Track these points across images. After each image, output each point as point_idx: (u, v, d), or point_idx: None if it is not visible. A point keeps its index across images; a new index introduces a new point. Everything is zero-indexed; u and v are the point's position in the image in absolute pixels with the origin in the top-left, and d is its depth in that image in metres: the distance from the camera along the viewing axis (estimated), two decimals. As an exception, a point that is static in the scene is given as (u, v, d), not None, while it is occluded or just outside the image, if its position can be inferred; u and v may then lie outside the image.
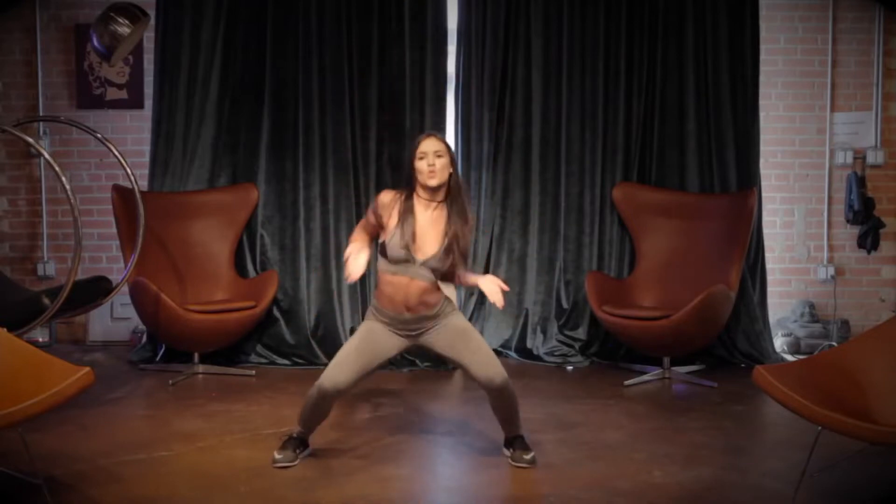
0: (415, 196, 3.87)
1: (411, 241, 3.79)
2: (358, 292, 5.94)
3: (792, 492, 3.51)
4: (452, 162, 3.88)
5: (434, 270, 3.82)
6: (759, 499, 3.60)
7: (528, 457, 3.96)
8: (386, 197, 3.90)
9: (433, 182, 3.81)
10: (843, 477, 3.75)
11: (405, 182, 3.93)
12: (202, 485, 3.72)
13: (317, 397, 3.86)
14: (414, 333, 3.91)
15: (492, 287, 3.79)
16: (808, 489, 3.54)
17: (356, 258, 3.78)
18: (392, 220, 3.84)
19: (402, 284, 3.83)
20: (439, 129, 6.01)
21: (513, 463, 3.97)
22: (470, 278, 3.93)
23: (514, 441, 4.03)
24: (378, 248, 3.91)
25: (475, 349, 3.89)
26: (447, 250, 3.82)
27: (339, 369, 3.84)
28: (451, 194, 3.87)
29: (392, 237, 3.81)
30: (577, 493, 3.61)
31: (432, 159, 3.80)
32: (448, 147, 3.88)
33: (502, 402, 3.93)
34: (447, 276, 3.88)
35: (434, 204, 3.86)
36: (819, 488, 3.60)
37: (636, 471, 3.87)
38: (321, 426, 4.27)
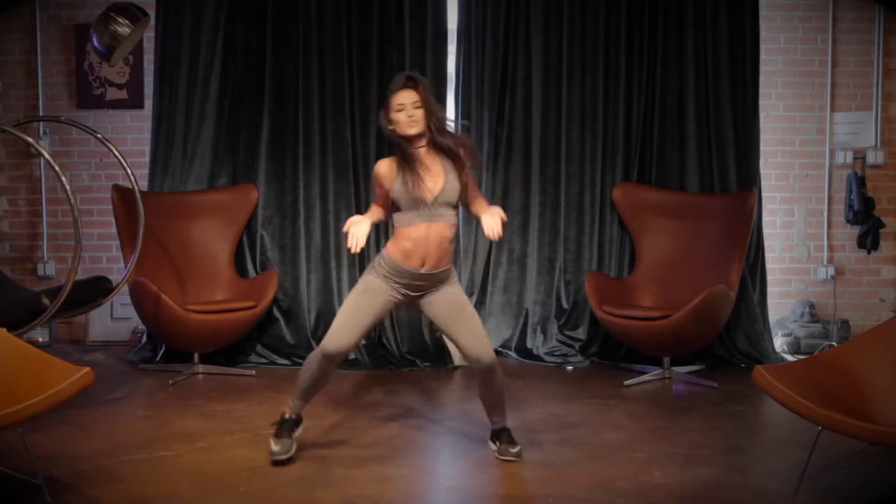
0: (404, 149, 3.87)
1: (418, 184, 3.80)
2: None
3: (792, 492, 3.51)
4: (431, 106, 3.85)
5: (449, 205, 3.84)
6: (760, 499, 3.60)
7: (514, 450, 3.97)
8: (382, 166, 3.90)
9: (412, 130, 3.81)
10: (843, 477, 3.75)
11: (388, 145, 3.93)
12: (202, 485, 3.72)
13: (320, 362, 3.88)
14: (417, 293, 3.91)
15: (490, 222, 3.81)
16: (808, 489, 3.54)
17: (358, 226, 3.79)
18: (395, 180, 3.84)
19: (422, 235, 3.82)
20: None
21: (499, 457, 3.99)
22: (480, 208, 3.95)
23: (501, 434, 4.05)
24: (391, 208, 3.92)
25: (469, 327, 3.91)
26: (454, 181, 3.83)
27: (343, 331, 3.86)
28: (435, 137, 3.85)
29: (398, 189, 3.82)
30: (577, 493, 3.61)
31: (411, 110, 3.81)
32: (424, 93, 3.84)
33: (489, 385, 3.95)
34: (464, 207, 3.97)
35: (423, 149, 3.86)
36: (819, 488, 3.60)
37: (636, 471, 3.87)
38: (321, 426, 4.28)
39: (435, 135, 3.85)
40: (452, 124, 3.97)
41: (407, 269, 3.85)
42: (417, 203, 3.81)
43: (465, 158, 3.89)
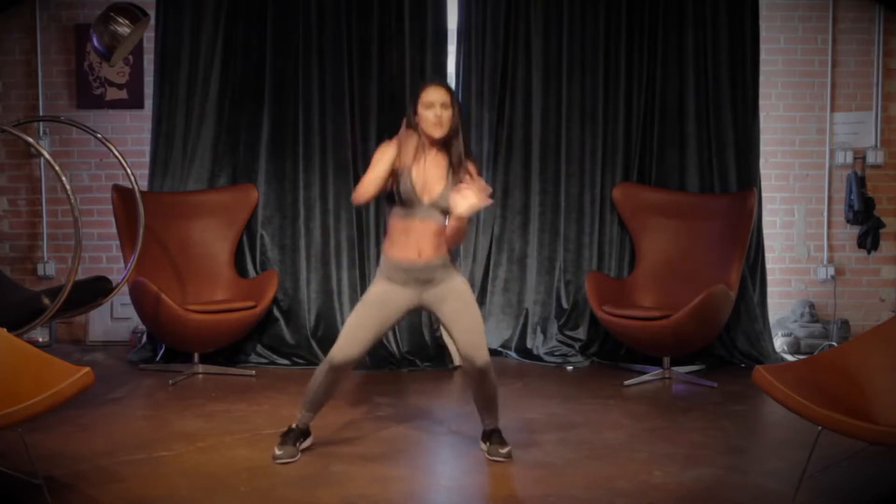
0: (418, 140, 3.86)
1: (420, 183, 3.80)
2: (358, 292, 5.94)
3: (792, 492, 3.51)
4: (459, 110, 3.87)
5: (441, 210, 3.83)
6: (760, 499, 3.60)
7: (504, 451, 3.98)
8: (410, 143, 3.84)
9: (438, 134, 3.81)
10: (843, 477, 3.75)
11: (406, 125, 3.89)
12: (202, 485, 3.72)
13: (328, 373, 3.90)
14: (423, 285, 3.88)
15: (462, 201, 3.69)
16: (809, 489, 3.54)
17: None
18: (404, 162, 3.81)
19: (414, 228, 3.83)
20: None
21: (489, 457, 4.00)
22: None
23: (492, 435, 4.05)
24: (386, 196, 3.89)
25: (467, 325, 3.89)
26: (450, 189, 3.80)
27: (350, 341, 3.87)
28: (451, 139, 3.84)
29: (402, 181, 3.80)
30: (577, 493, 3.61)
31: (439, 110, 3.80)
32: (453, 96, 3.86)
33: (481, 387, 3.96)
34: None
35: (436, 147, 3.85)
36: (819, 488, 3.59)
37: (636, 471, 3.87)
38: (321, 426, 4.27)
39: (453, 134, 3.84)
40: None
41: (405, 263, 3.84)
42: (414, 200, 3.81)
43: (467, 178, 3.86)
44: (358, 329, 3.88)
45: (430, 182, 3.83)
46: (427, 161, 3.85)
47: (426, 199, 3.82)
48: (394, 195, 3.84)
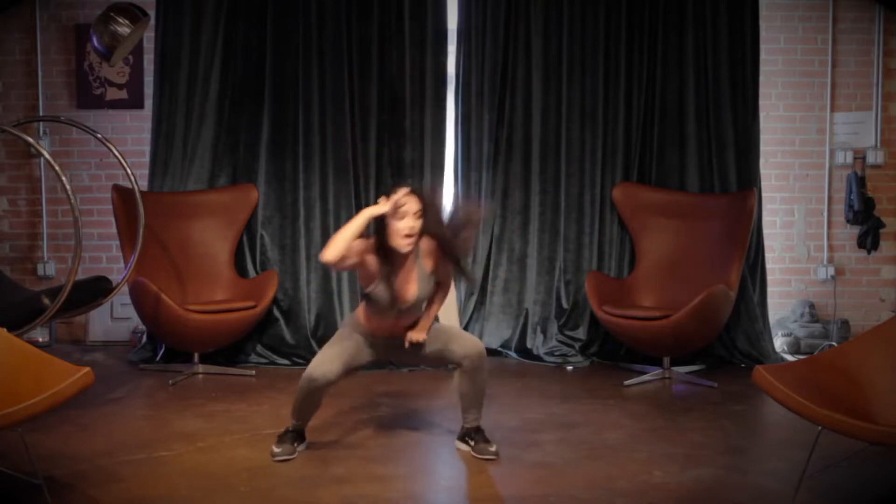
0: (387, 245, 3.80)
1: (395, 295, 3.82)
2: (358, 292, 5.93)
3: (792, 492, 3.51)
4: (426, 209, 3.76)
5: (418, 307, 3.96)
6: (760, 499, 3.60)
7: (493, 448, 4.01)
8: (370, 255, 3.81)
9: (407, 248, 3.76)
10: (843, 477, 3.75)
11: (374, 229, 3.82)
12: (202, 485, 3.72)
13: (308, 389, 3.93)
14: (396, 344, 4.02)
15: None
16: (809, 489, 3.54)
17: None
18: (372, 267, 3.80)
19: (389, 321, 3.95)
20: (439, 130, 6.03)
21: (478, 455, 4.01)
22: (430, 312, 4.02)
23: (475, 434, 4.06)
24: (361, 293, 3.97)
25: (451, 333, 4.06)
26: (427, 293, 3.93)
27: (327, 360, 3.91)
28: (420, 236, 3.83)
29: (376, 289, 3.82)
30: (577, 493, 3.61)
31: (412, 221, 3.73)
32: (425, 201, 3.76)
33: (477, 378, 3.98)
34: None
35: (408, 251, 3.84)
36: (819, 488, 3.59)
37: (636, 471, 3.87)
38: (321, 426, 4.28)
39: (436, 238, 3.83)
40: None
41: (374, 335, 3.99)
42: (390, 307, 3.85)
43: (455, 257, 3.86)
44: (335, 351, 3.95)
45: (407, 288, 3.86)
46: (403, 267, 3.84)
47: (403, 306, 3.88)
48: (370, 297, 3.87)
